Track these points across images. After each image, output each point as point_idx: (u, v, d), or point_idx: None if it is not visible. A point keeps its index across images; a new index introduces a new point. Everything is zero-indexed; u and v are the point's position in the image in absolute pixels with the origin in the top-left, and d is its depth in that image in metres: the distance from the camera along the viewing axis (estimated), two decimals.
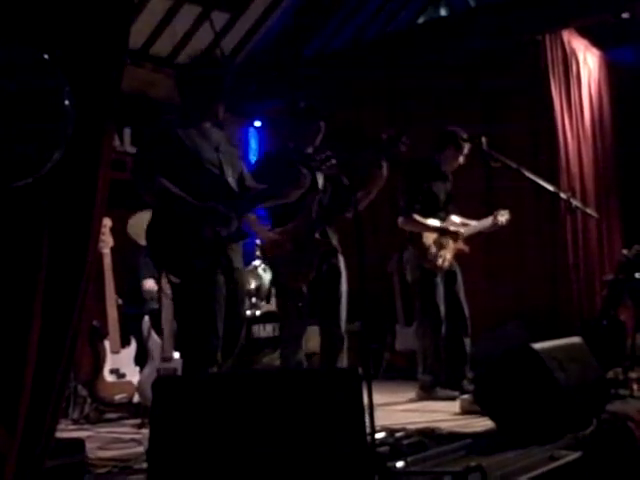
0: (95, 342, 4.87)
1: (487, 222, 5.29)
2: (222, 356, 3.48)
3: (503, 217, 5.23)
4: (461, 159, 5.21)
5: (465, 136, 5.03)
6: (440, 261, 5.08)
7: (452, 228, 5.15)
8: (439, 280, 5.11)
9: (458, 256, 5.30)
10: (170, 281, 3.56)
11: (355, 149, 3.97)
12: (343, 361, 4.35)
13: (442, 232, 5.09)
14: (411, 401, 5.07)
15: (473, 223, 5.28)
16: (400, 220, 5.12)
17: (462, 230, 5.20)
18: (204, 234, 3.39)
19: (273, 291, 6.11)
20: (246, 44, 7.30)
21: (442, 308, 5.10)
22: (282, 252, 4.24)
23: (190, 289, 3.41)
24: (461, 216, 5.32)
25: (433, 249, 5.08)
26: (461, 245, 5.23)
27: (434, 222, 5.14)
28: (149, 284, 5.48)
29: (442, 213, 5.22)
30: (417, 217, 5.06)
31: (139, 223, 5.03)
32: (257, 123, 7.97)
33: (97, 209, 2.37)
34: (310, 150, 4.26)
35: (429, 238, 5.10)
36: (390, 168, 4.23)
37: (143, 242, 4.99)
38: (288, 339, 4.38)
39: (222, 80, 3.56)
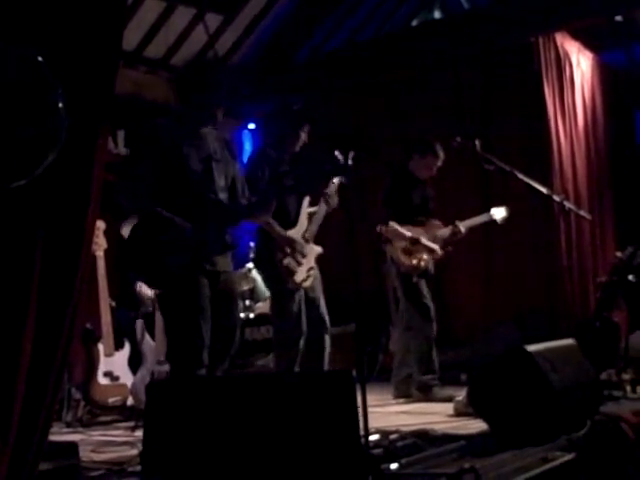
0: (89, 345, 4.86)
1: (483, 217, 5.40)
2: (217, 358, 3.47)
3: (500, 215, 5.34)
4: (433, 167, 5.28)
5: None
6: (415, 262, 5.14)
7: (428, 244, 5.18)
8: (421, 280, 5.16)
9: (450, 256, 5.38)
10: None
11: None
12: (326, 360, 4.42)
13: (413, 242, 5.15)
14: (405, 403, 5.08)
15: (448, 229, 5.33)
16: (378, 228, 5.18)
17: (439, 249, 5.25)
18: (181, 261, 3.35)
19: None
20: (240, 46, 7.31)
21: (431, 305, 5.16)
22: (296, 252, 4.29)
23: (171, 293, 3.39)
24: (446, 218, 5.39)
25: (402, 254, 5.15)
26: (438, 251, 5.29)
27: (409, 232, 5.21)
28: (142, 288, 5.46)
29: (421, 217, 5.29)
30: (393, 224, 5.12)
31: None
32: (251, 126, 7.97)
33: (91, 211, 2.37)
34: (287, 157, 4.32)
35: (397, 247, 5.15)
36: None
37: None
38: (284, 341, 4.38)
39: (222, 83, 3.54)
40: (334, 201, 4.51)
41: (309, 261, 4.42)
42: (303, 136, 4.42)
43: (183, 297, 3.37)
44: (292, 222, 4.42)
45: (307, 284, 4.39)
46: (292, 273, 4.29)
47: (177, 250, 3.35)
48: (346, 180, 4.09)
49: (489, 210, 5.45)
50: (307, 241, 4.44)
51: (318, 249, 4.53)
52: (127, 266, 3.58)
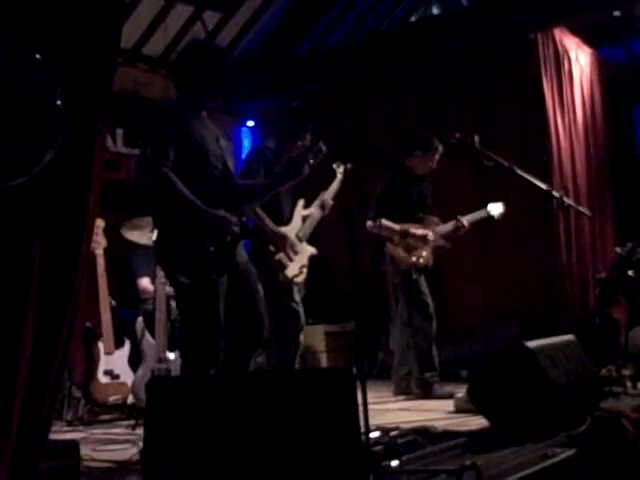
0: (89, 343, 4.86)
1: (480, 213, 5.40)
2: (249, 349, 3.49)
3: (497, 210, 5.34)
4: (433, 162, 5.28)
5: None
6: (414, 259, 5.14)
7: (418, 232, 5.19)
8: (421, 277, 5.17)
9: (449, 253, 5.38)
10: (175, 282, 3.45)
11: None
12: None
13: (404, 235, 5.15)
14: (406, 400, 5.08)
15: (451, 223, 5.33)
16: (367, 224, 5.17)
17: (432, 235, 5.24)
18: (208, 243, 3.28)
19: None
20: (238, 44, 7.30)
21: (430, 302, 5.16)
22: (288, 247, 4.34)
23: (197, 289, 3.31)
24: (445, 215, 5.38)
25: (402, 252, 5.15)
26: (440, 242, 5.29)
27: (404, 226, 5.21)
28: (144, 283, 5.46)
29: (419, 214, 5.30)
30: (384, 221, 5.12)
31: (133, 224, 5.04)
32: (250, 123, 7.96)
33: (90, 210, 2.37)
34: (283, 161, 4.33)
35: (396, 245, 5.17)
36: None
37: (138, 240, 5.01)
38: (283, 338, 4.39)
39: (222, 64, 3.46)
40: (329, 206, 4.61)
41: (301, 259, 4.47)
42: (301, 144, 4.42)
43: (208, 295, 3.30)
44: (285, 221, 4.47)
45: (299, 280, 4.44)
46: (283, 267, 4.34)
47: (203, 253, 3.27)
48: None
49: (487, 206, 5.45)
50: (300, 240, 4.48)
51: (311, 249, 4.59)
52: (156, 258, 3.53)
